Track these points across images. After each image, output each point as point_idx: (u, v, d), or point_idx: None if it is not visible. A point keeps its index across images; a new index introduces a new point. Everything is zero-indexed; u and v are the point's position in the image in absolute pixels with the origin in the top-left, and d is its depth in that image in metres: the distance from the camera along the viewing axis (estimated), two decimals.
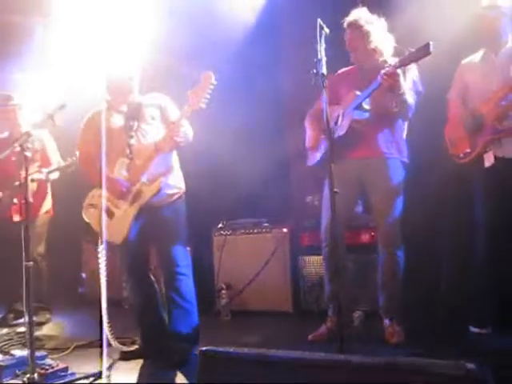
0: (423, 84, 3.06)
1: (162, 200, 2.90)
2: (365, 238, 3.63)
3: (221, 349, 1.28)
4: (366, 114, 2.93)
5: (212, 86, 2.76)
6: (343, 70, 3.26)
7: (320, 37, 2.63)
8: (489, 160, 2.95)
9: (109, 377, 2.70)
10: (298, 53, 4.28)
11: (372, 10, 3.03)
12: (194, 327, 2.94)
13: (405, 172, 3.09)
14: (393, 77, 2.70)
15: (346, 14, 3.10)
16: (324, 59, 2.42)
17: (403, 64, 2.68)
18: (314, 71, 2.41)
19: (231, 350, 1.28)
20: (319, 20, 2.76)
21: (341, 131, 2.95)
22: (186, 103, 2.80)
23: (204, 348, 1.32)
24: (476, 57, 3.14)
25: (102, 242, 2.82)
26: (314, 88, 2.87)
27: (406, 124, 3.16)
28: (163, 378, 2.63)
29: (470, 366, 1.04)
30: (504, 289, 2.97)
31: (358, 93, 2.94)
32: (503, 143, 2.90)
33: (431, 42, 2.53)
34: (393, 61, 2.81)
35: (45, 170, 3.95)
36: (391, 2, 3.56)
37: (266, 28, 4.57)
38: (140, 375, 2.72)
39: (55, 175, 4.10)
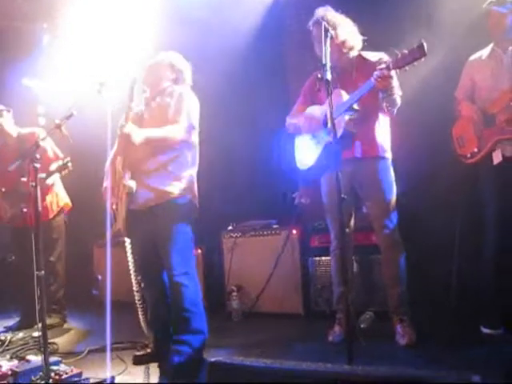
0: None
1: (149, 201, 2.80)
2: (375, 238, 3.60)
3: (229, 360, 1.30)
4: (355, 115, 2.82)
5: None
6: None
7: (325, 40, 2.60)
8: (497, 158, 2.94)
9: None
10: (304, 53, 4.29)
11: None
12: (195, 334, 2.77)
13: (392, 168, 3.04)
14: (387, 79, 2.62)
15: (354, 13, 3.06)
16: (329, 64, 2.37)
17: (398, 66, 2.54)
18: (319, 76, 2.37)
19: (239, 361, 1.29)
20: (324, 23, 2.74)
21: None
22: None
23: (213, 359, 1.33)
24: (483, 53, 3.11)
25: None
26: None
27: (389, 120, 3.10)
28: None
29: (475, 378, 1.04)
30: None
31: (343, 93, 2.83)
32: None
33: (424, 43, 2.40)
34: (385, 61, 2.69)
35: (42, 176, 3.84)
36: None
37: (272, 29, 4.58)
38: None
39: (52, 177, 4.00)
